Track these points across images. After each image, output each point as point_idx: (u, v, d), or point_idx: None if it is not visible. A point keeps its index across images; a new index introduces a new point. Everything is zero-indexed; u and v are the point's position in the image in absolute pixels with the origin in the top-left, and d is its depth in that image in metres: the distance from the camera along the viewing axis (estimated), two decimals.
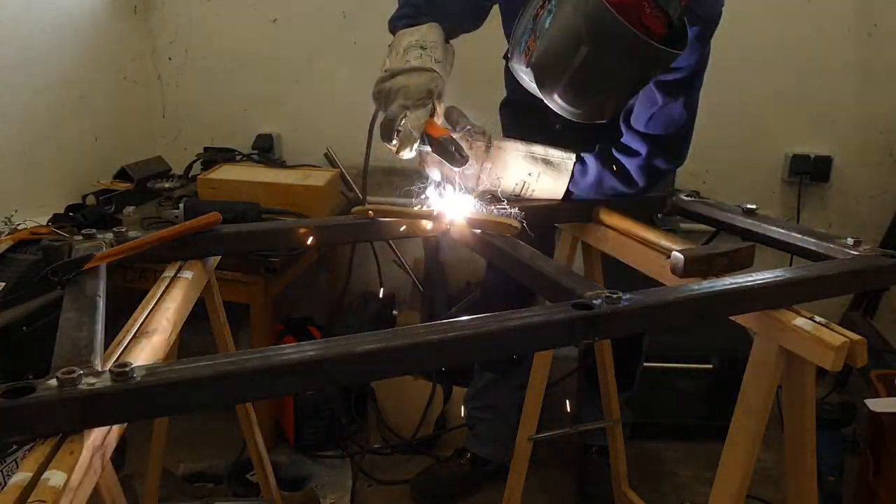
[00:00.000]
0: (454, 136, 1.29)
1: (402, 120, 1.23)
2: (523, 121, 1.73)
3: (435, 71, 1.27)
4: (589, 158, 1.45)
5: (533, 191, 1.44)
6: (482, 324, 0.86)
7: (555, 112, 1.28)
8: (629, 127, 1.45)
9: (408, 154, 1.27)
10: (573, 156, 1.44)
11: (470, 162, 1.32)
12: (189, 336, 1.37)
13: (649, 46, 1.10)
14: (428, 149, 1.28)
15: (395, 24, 1.38)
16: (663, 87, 1.38)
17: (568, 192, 1.45)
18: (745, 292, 1.00)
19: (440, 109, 1.30)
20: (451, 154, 1.25)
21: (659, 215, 1.63)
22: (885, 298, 2.74)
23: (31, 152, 2.32)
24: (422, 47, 1.30)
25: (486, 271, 2.18)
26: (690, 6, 1.20)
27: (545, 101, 1.25)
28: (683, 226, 1.94)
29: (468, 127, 1.36)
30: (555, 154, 1.44)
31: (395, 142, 1.25)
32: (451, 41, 1.41)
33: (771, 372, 1.04)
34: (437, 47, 1.31)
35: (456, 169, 1.29)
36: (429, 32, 1.33)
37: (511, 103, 1.85)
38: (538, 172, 1.42)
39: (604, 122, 1.29)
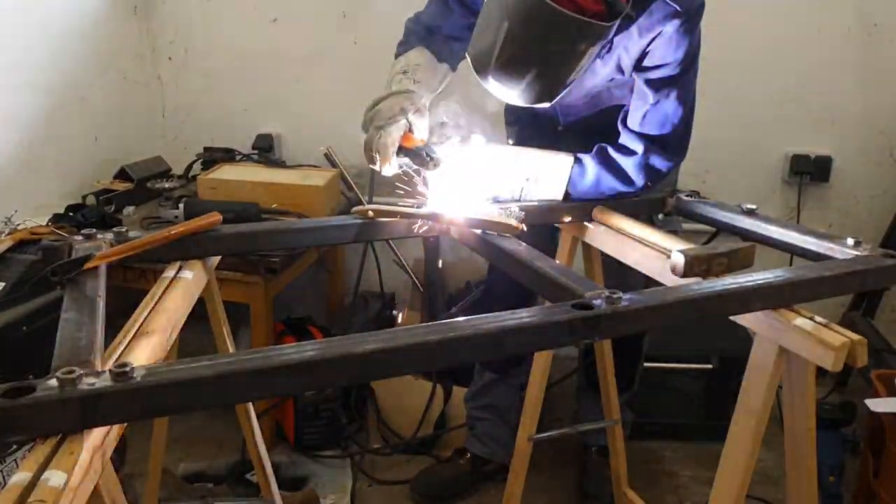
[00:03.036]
0: (444, 145, 1.34)
1: (377, 141, 1.30)
2: (527, 123, 1.74)
3: (411, 91, 1.34)
4: (587, 159, 1.45)
5: (531, 194, 1.45)
6: (482, 324, 0.86)
7: (557, 114, 1.28)
8: (626, 126, 1.45)
9: (388, 170, 1.33)
10: (570, 158, 1.44)
11: (468, 166, 1.33)
12: (189, 336, 1.37)
13: (565, 17, 1.09)
14: (407, 160, 1.33)
15: (395, 54, 1.47)
16: (651, 84, 1.38)
17: (566, 195, 1.46)
18: (745, 292, 1.00)
19: (419, 123, 1.34)
20: (424, 160, 1.30)
21: (659, 215, 1.62)
22: (885, 298, 2.74)
23: (31, 152, 2.32)
24: (404, 72, 1.39)
25: (489, 271, 2.18)
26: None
27: (485, 86, 1.27)
28: (684, 226, 1.94)
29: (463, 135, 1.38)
30: (552, 157, 1.44)
31: (377, 162, 1.32)
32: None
33: (771, 372, 1.04)
34: (420, 69, 1.39)
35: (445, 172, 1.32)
36: (414, 57, 1.42)
37: (515, 106, 1.85)
38: (536, 176, 1.43)
39: (546, 106, 1.28)
